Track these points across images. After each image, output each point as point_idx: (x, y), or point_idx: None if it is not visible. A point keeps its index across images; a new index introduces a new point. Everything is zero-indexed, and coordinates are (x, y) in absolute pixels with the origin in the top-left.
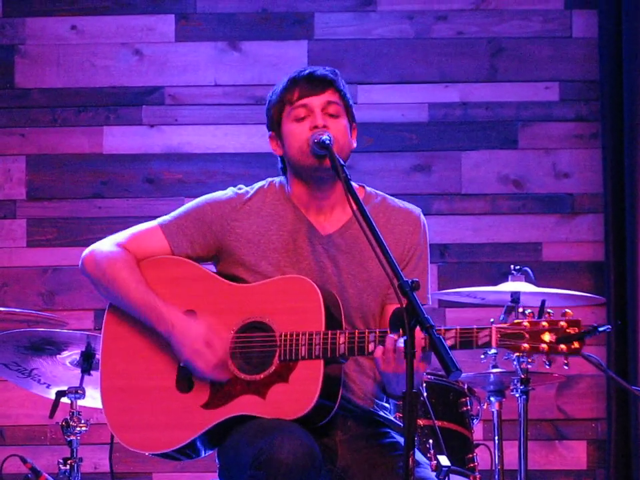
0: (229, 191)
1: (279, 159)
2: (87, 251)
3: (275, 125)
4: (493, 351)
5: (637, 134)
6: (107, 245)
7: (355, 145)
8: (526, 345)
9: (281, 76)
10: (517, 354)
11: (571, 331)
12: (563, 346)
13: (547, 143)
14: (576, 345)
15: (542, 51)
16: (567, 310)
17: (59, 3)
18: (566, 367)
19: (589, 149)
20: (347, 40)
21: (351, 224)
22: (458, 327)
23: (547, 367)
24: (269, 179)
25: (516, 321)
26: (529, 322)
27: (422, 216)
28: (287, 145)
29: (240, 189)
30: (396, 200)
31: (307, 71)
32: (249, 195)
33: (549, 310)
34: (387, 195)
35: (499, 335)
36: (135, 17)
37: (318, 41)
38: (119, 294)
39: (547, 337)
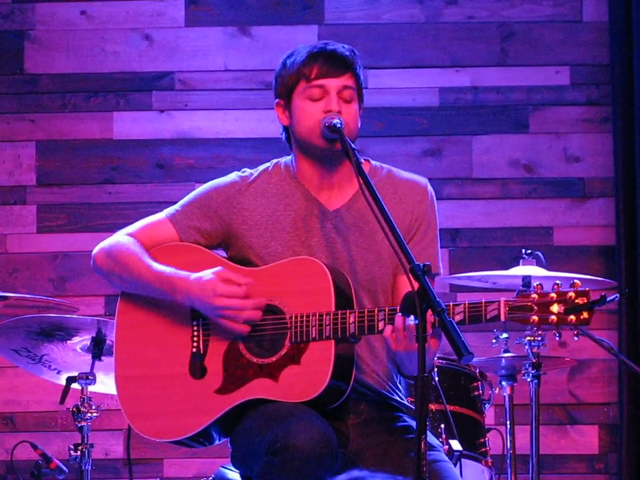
0: (233, 175)
1: (282, 128)
2: (96, 248)
3: (284, 94)
4: (505, 335)
5: None
6: (115, 237)
7: (359, 125)
8: (535, 317)
9: None
10: (527, 325)
11: (579, 301)
12: (572, 316)
13: (557, 127)
14: (585, 315)
15: (552, 35)
16: (576, 280)
17: None
18: (576, 338)
19: (600, 133)
20: (357, 24)
21: (358, 197)
22: (467, 302)
23: (557, 338)
24: (274, 160)
25: (524, 293)
26: (537, 294)
27: (429, 186)
28: (296, 121)
29: (244, 172)
30: (402, 171)
31: (328, 49)
32: (252, 177)
33: (557, 281)
34: (393, 167)
35: (507, 308)
36: (144, 2)
37: (328, 25)
38: (132, 276)
39: (555, 308)
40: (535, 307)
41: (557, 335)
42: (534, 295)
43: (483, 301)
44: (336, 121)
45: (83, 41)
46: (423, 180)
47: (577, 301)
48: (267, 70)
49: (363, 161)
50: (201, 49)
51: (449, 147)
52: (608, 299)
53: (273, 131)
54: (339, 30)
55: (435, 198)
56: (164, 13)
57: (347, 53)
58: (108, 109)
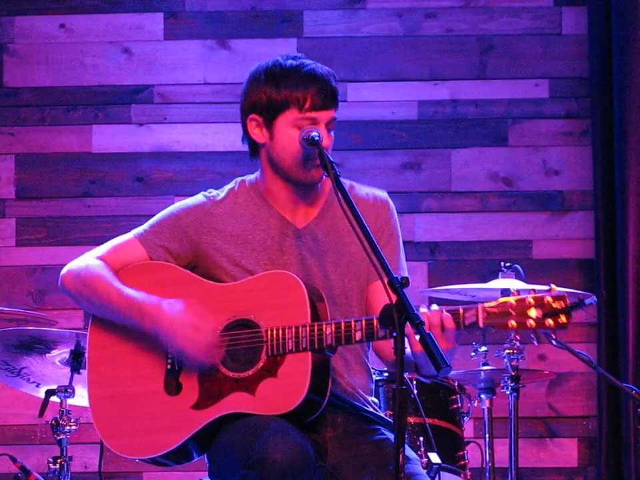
0: (200, 196)
1: (249, 141)
2: (64, 269)
3: (265, 113)
4: (484, 348)
5: (627, 131)
6: (84, 259)
7: None
8: (513, 322)
9: None
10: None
11: (557, 305)
12: (550, 320)
13: (536, 140)
14: (563, 318)
15: (532, 48)
16: (552, 285)
17: (48, 2)
18: (554, 343)
19: (579, 146)
20: (336, 38)
21: (325, 213)
22: (443, 309)
23: (536, 343)
24: (238, 179)
25: (501, 299)
26: (515, 299)
27: (389, 199)
28: (279, 146)
29: (210, 192)
30: (363, 186)
31: (319, 75)
32: (219, 198)
33: (533, 288)
34: (354, 182)
35: (485, 314)
36: (123, 15)
37: (307, 38)
38: (101, 301)
39: (533, 312)
40: (513, 312)
41: (536, 339)
42: (511, 301)
43: (460, 308)
44: (314, 133)
45: (62, 54)
46: (384, 193)
47: (554, 305)
48: None
49: (324, 177)
50: (180, 62)
51: (428, 161)
52: (586, 302)
53: None
54: (318, 43)
55: (395, 210)
56: (143, 26)
57: (335, 85)
58: (87, 122)
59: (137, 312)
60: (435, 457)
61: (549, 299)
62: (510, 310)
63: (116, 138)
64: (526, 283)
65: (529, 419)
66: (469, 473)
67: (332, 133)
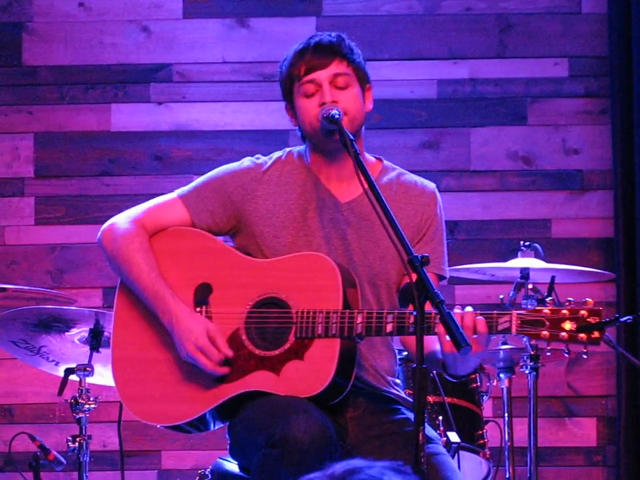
0: (247, 161)
1: (297, 127)
2: (106, 224)
3: (288, 97)
4: None
5: None
6: (125, 221)
7: (371, 106)
8: (546, 333)
9: None
10: (537, 339)
11: (591, 320)
12: (582, 335)
13: (556, 119)
14: (596, 334)
15: (551, 27)
16: (588, 299)
17: None
18: (585, 357)
19: (599, 125)
20: (355, 16)
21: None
22: (478, 312)
23: (566, 355)
24: (287, 149)
25: (537, 307)
26: (549, 309)
27: (437, 191)
28: (299, 119)
29: (258, 158)
30: (412, 174)
31: (312, 42)
32: (267, 165)
33: (569, 298)
34: (403, 169)
35: (519, 322)
36: None
37: (326, 17)
38: (130, 276)
39: (567, 325)
40: (547, 322)
41: (566, 351)
42: (546, 310)
43: (495, 312)
44: (334, 112)
45: (80, 32)
46: (432, 184)
47: (589, 319)
48: (265, 62)
49: (374, 159)
50: (198, 41)
51: (447, 139)
52: (621, 320)
53: (271, 123)
54: (337, 22)
55: (441, 204)
56: (162, 4)
57: (332, 40)
58: (106, 101)
59: (159, 303)
60: (454, 436)
61: (584, 312)
62: (544, 320)
63: (135, 117)
64: (545, 262)
65: (548, 398)
66: (487, 452)
67: (353, 90)
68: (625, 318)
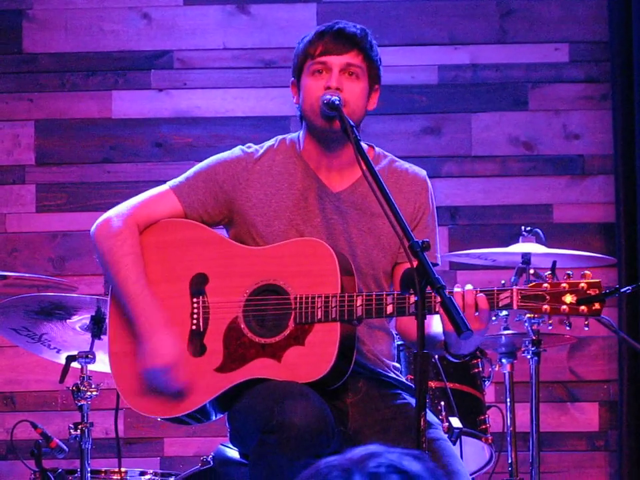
0: (238, 150)
1: (297, 107)
2: (100, 219)
3: (296, 73)
4: (504, 312)
5: None
6: (119, 218)
7: (373, 107)
8: (547, 307)
9: (289, 39)
10: (537, 315)
11: (591, 292)
12: (583, 307)
13: (557, 105)
14: (597, 306)
15: (552, 12)
16: (586, 272)
17: None
18: (586, 329)
19: (600, 110)
20: (355, 2)
21: (362, 182)
22: (478, 289)
23: (568, 328)
24: (279, 137)
25: (536, 282)
26: (549, 283)
27: (427, 178)
28: (301, 98)
29: (249, 147)
30: (403, 162)
31: (336, 27)
32: (258, 154)
33: (568, 272)
34: (395, 157)
35: (519, 297)
36: None
37: (326, 3)
38: (117, 279)
39: (567, 298)
40: (547, 297)
41: (568, 324)
42: (546, 285)
43: (495, 289)
44: (334, 98)
45: (81, 19)
46: (423, 171)
47: (588, 291)
48: (265, 48)
49: (367, 146)
50: (199, 28)
51: (448, 125)
52: (621, 290)
53: (272, 109)
54: (337, 8)
55: (432, 190)
56: None
57: (356, 31)
58: (106, 88)
59: (140, 311)
60: (456, 422)
61: (583, 285)
62: (544, 294)
63: (135, 104)
64: (546, 247)
65: (550, 383)
66: (490, 437)
67: (360, 84)
68: (625, 289)
